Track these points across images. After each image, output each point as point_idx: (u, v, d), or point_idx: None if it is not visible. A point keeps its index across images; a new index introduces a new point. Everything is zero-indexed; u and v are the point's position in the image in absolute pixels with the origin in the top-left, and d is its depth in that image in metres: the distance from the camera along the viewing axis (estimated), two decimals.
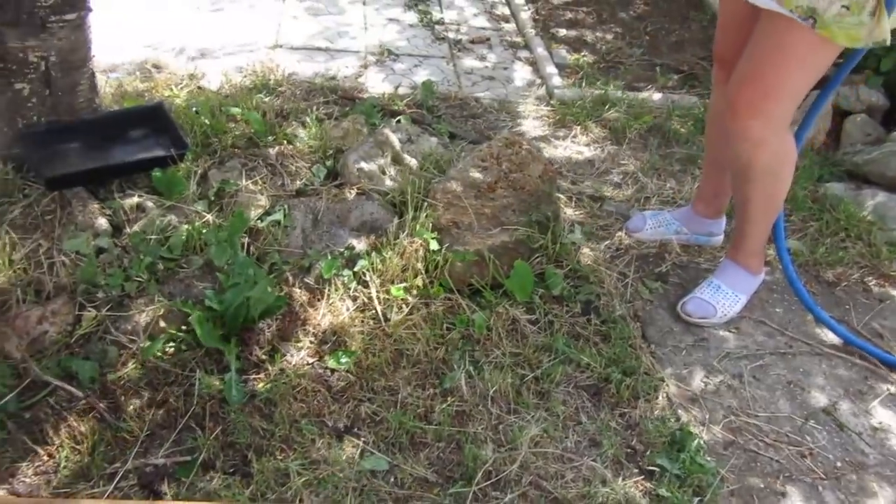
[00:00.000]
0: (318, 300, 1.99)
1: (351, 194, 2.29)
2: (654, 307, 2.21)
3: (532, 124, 3.11)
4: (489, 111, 3.15)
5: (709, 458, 1.76)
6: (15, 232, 1.97)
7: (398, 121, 2.78)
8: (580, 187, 2.69)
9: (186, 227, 2.05)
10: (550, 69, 3.49)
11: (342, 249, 2.10)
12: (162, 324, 1.84)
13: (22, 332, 1.77)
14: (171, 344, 1.83)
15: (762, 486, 1.74)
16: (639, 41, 3.92)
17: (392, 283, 2.03)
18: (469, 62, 3.59)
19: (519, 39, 3.88)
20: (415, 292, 2.04)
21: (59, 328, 1.81)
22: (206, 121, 2.48)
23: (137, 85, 2.87)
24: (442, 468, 1.68)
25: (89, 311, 1.84)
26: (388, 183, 2.35)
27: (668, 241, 2.43)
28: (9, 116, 2.13)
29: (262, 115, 2.59)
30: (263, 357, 1.85)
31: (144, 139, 2.32)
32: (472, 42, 3.79)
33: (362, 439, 1.70)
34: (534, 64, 3.63)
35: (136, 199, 2.14)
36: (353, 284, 2.03)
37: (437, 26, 3.89)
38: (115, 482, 1.56)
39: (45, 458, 1.59)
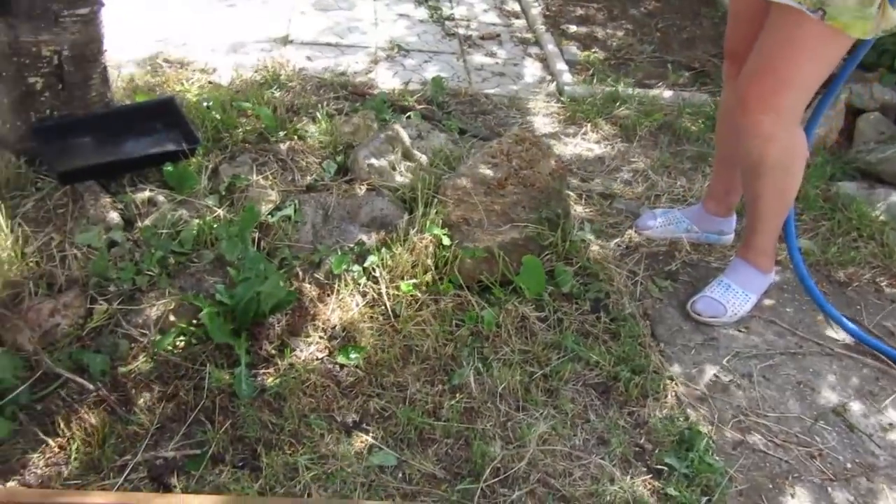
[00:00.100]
0: (328, 295, 1.99)
1: (361, 190, 2.29)
2: (663, 305, 2.20)
3: (542, 121, 3.10)
4: (499, 108, 3.15)
5: (717, 458, 1.75)
6: (28, 225, 1.98)
7: (408, 117, 2.78)
8: (590, 185, 2.68)
9: (197, 221, 2.06)
10: (561, 66, 3.48)
11: (352, 245, 2.11)
12: (172, 318, 1.85)
13: (34, 324, 1.79)
14: (182, 338, 1.84)
15: (771, 486, 1.73)
16: (650, 38, 3.90)
17: (402, 279, 2.04)
18: (479, 58, 3.58)
19: (529, 36, 3.87)
20: (424, 288, 2.04)
21: (70, 321, 1.82)
22: (217, 115, 2.49)
23: (148, 79, 2.89)
24: (450, 464, 1.68)
25: (101, 304, 1.86)
26: (399, 179, 2.35)
27: (678, 239, 2.42)
28: (22, 110, 2.14)
29: (272, 110, 2.60)
30: (273, 352, 1.86)
31: (156, 133, 2.33)
32: (483, 38, 3.78)
33: (371, 435, 1.71)
34: (544, 60, 3.62)
35: (147, 194, 2.15)
36: (363, 280, 2.03)
37: (447, 22, 3.88)
38: (125, 474, 1.57)
39: (57, 449, 1.60)
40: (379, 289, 2.02)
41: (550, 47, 3.66)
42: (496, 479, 1.64)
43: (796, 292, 2.30)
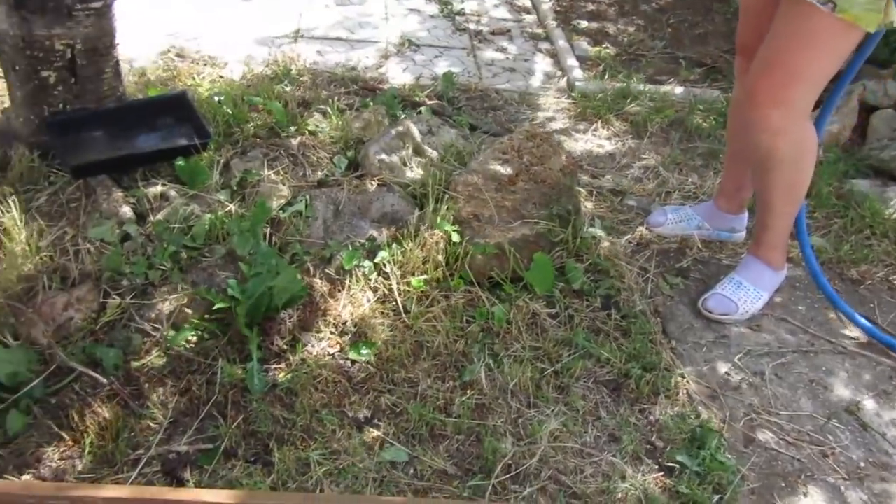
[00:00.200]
0: (339, 291, 1.99)
1: (372, 185, 2.29)
2: (674, 303, 2.19)
3: (552, 117, 3.09)
4: (509, 103, 3.14)
5: (729, 456, 1.75)
6: (41, 219, 1.99)
7: (419, 112, 2.78)
8: (601, 181, 2.68)
9: (209, 216, 2.06)
10: (571, 61, 3.47)
11: (363, 241, 2.11)
12: (185, 312, 1.86)
13: (48, 318, 1.79)
14: (194, 333, 1.84)
15: (783, 484, 1.73)
16: (661, 34, 3.88)
17: (412, 274, 2.04)
18: (489, 53, 3.57)
19: (540, 31, 3.86)
20: (435, 284, 2.04)
21: (84, 315, 1.83)
22: (229, 110, 2.49)
23: (160, 74, 2.89)
24: (461, 461, 1.68)
25: (114, 298, 1.86)
26: (409, 174, 2.35)
27: (689, 236, 2.41)
28: (35, 104, 2.15)
29: (283, 105, 2.60)
30: (285, 347, 1.86)
31: (168, 128, 2.34)
32: (493, 33, 3.77)
33: (382, 430, 1.71)
34: (555, 56, 3.61)
35: (159, 188, 2.15)
36: (374, 276, 2.03)
37: (457, 17, 3.87)
38: (138, 468, 1.57)
39: (71, 443, 1.61)
40: (390, 284, 2.02)
41: (561, 43, 3.65)
42: (507, 476, 1.64)
43: (808, 290, 2.29)
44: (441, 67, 3.32)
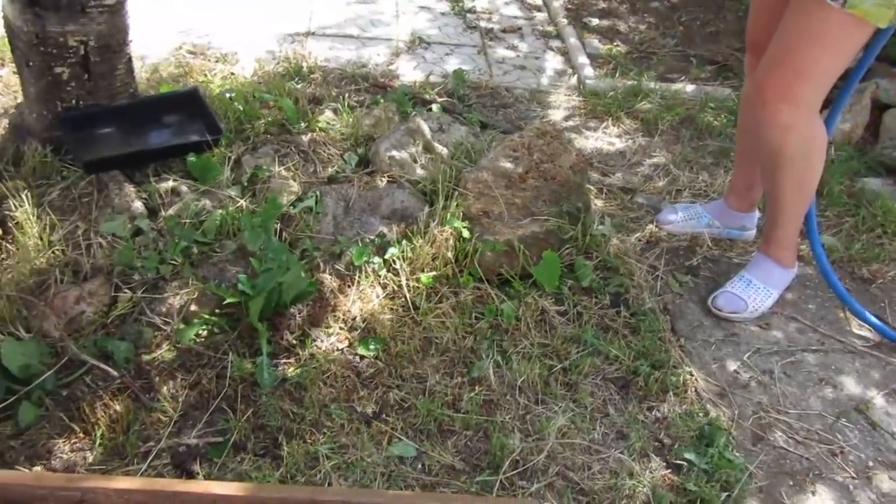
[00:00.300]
0: (349, 287, 2.00)
1: (382, 182, 2.30)
2: (684, 301, 2.19)
3: (563, 115, 3.09)
4: (520, 101, 3.14)
5: (737, 454, 1.75)
6: (54, 213, 2.01)
7: (429, 109, 2.78)
8: (611, 179, 2.67)
9: (220, 211, 2.08)
10: (582, 59, 3.46)
11: (373, 237, 2.11)
12: (195, 307, 1.87)
13: (60, 311, 1.81)
14: (205, 327, 1.86)
15: (791, 483, 1.72)
16: (672, 31, 3.87)
17: (422, 271, 2.04)
18: (500, 51, 3.57)
19: (551, 29, 3.85)
20: (444, 281, 2.05)
21: (95, 308, 1.84)
22: (240, 107, 2.50)
23: (172, 70, 2.91)
24: (469, 456, 1.69)
25: (125, 292, 1.88)
26: (419, 171, 2.35)
27: (699, 234, 2.41)
28: (48, 100, 2.17)
29: (294, 101, 2.61)
30: (294, 342, 1.87)
31: (180, 124, 2.35)
32: (504, 31, 3.77)
33: (390, 425, 1.72)
34: (565, 54, 3.60)
35: (171, 184, 2.17)
36: (383, 272, 2.04)
37: (468, 15, 3.87)
38: (148, 461, 1.59)
39: (82, 435, 1.63)
40: (399, 281, 2.02)
41: (572, 40, 3.64)
42: (515, 472, 1.65)
43: (818, 288, 2.28)
44: (452, 65, 3.32)
